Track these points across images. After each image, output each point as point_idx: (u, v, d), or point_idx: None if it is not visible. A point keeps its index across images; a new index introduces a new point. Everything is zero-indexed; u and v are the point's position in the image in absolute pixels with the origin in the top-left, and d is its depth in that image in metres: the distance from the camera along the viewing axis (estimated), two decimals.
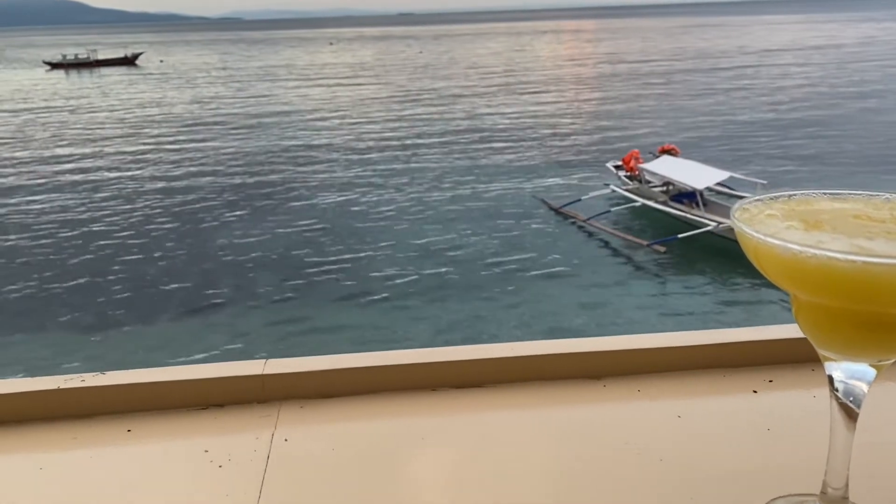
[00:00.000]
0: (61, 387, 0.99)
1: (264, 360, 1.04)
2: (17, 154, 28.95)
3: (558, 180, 21.66)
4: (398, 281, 14.21)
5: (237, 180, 23.05)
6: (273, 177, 23.38)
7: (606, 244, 16.14)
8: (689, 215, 16.27)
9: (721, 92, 40.12)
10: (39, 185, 23.39)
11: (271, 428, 0.96)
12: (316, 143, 29.02)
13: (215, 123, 35.12)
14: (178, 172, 24.46)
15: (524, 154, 25.52)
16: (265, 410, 0.99)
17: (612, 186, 18.82)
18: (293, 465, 0.90)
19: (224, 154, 27.40)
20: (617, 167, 20.00)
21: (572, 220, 17.65)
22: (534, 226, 17.42)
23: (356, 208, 19.29)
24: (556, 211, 18.33)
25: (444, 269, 14.76)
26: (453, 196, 20.15)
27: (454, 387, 1.04)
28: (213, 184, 22.68)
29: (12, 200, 21.41)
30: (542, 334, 11.57)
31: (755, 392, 1.04)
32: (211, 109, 40.47)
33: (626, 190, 18.42)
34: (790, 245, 0.59)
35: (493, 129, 30.72)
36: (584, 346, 1.08)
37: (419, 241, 16.47)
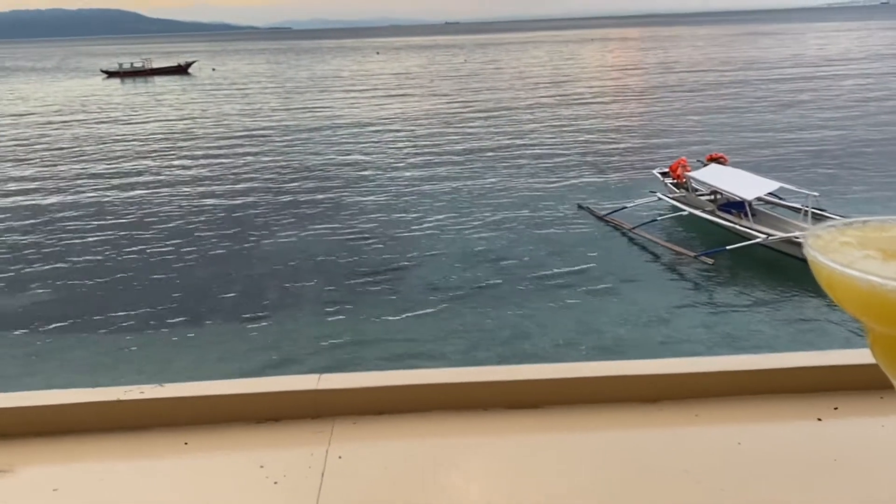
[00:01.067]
0: (121, 398, 1.00)
1: (318, 376, 1.03)
2: (71, 161, 29.85)
3: (603, 188, 21.43)
4: (441, 291, 14.18)
5: (285, 188, 23.37)
6: (320, 185, 23.64)
7: (652, 254, 15.88)
8: (737, 226, 15.90)
9: (773, 101, 39.26)
10: (90, 190, 24.06)
11: (325, 444, 0.95)
12: (362, 151, 29.27)
13: (264, 131, 35.71)
14: (227, 180, 24.91)
15: (569, 162, 25.33)
16: (319, 426, 0.99)
17: (659, 195, 18.53)
18: (348, 484, 0.89)
19: (272, 162, 27.83)
20: (663, 175, 19.69)
21: (617, 228, 17.43)
22: (578, 234, 17.24)
23: (402, 217, 19.36)
24: (601, 219, 18.12)
25: (486, 279, 14.69)
26: (497, 204, 20.08)
27: (507, 407, 1.02)
28: (262, 191, 23.04)
29: (65, 206, 22.06)
30: (587, 348, 11.40)
31: (819, 420, 1.00)
32: (260, 117, 41.18)
33: (673, 198, 18.11)
34: (871, 277, 0.56)
35: (538, 137, 30.57)
36: (639, 369, 1.06)
37: (463, 250, 16.44)
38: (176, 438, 0.98)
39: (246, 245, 17.39)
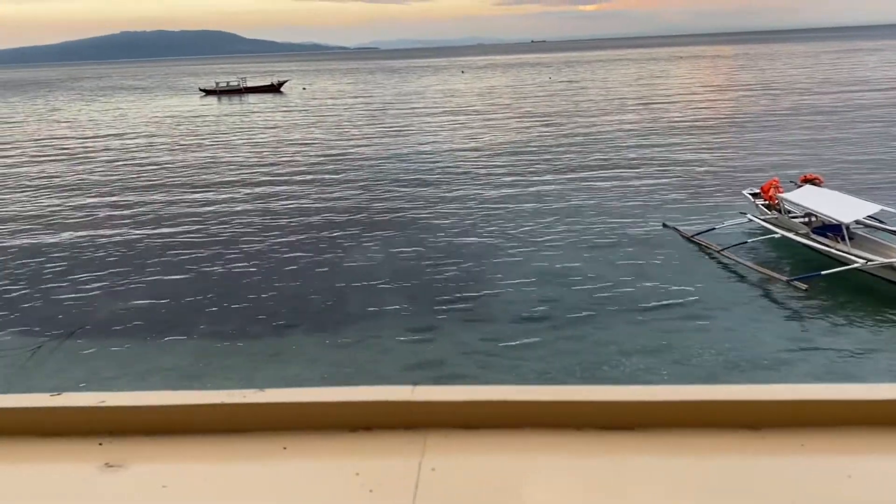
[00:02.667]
0: (224, 401, 1.03)
1: (412, 387, 1.04)
2: (165, 176, 31.35)
3: (690, 208, 20.88)
4: (520, 310, 14.10)
5: (369, 205, 23.83)
6: (402, 202, 23.99)
7: (741, 277, 15.33)
8: (833, 250, 15.18)
9: (874, 121, 37.39)
10: (182, 202, 25.19)
11: (419, 456, 0.96)
12: (444, 170, 29.55)
13: (350, 149, 36.57)
14: (312, 196, 25.62)
15: (654, 181, 24.82)
16: (412, 437, 0.99)
17: (750, 216, 17.90)
18: (441, 496, 0.89)
19: (357, 179, 28.45)
20: (754, 195, 19.03)
21: (705, 249, 16.92)
22: (663, 255, 16.83)
23: (483, 235, 19.40)
24: (689, 240, 17.64)
25: (567, 298, 14.51)
26: (580, 222, 19.86)
27: (601, 427, 1.00)
28: (346, 207, 23.57)
29: (157, 219, 23.17)
30: (670, 374, 11.09)
31: None
32: (346, 135, 42.21)
33: (764, 220, 17.47)
34: None
35: (624, 155, 30.12)
36: (740, 394, 1.01)
37: (544, 269, 16.32)
38: (275, 443, 1.00)
39: (331, 260, 17.78)
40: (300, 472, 0.95)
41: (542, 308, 14.00)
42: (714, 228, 17.67)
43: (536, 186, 24.87)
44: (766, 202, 18.30)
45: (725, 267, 15.93)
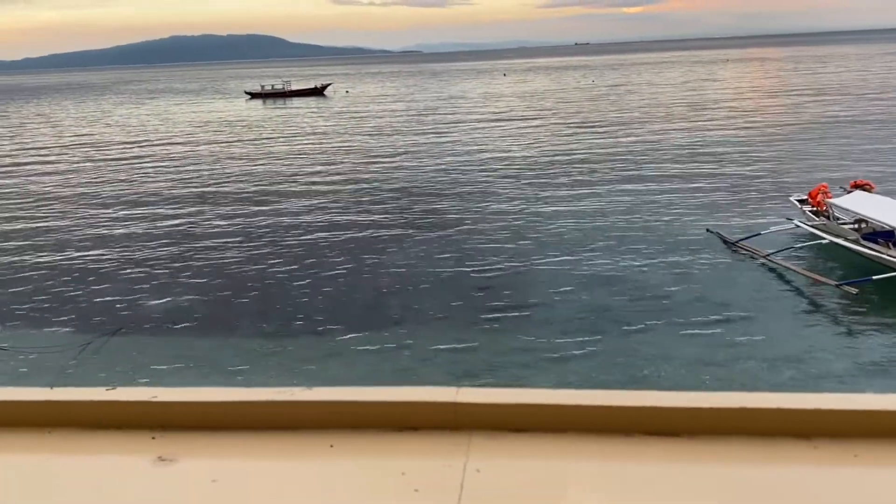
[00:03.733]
0: (273, 399, 1.05)
1: (456, 389, 1.04)
2: (210, 178, 31.95)
3: (735, 214, 20.53)
4: (563, 312, 14.04)
5: (410, 206, 23.96)
6: (443, 204, 24.07)
7: (788, 282, 15.02)
8: (885, 256, 14.78)
9: None
10: (227, 203, 25.65)
11: (463, 457, 0.96)
12: (487, 173, 29.55)
13: (392, 151, 36.82)
14: (354, 198, 25.86)
15: (698, 186, 24.46)
16: (457, 438, 0.99)
17: (796, 221, 17.54)
18: (486, 497, 0.89)
19: (399, 181, 28.63)
20: (801, 202, 18.64)
21: (750, 255, 16.62)
22: (707, 260, 16.57)
23: (526, 238, 19.36)
24: (733, 245, 17.35)
25: (609, 303, 14.40)
26: (623, 227, 19.68)
27: (649, 433, 0.99)
28: (387, 209, 23.74)
29: (205, 218, 23.63)
30: (715, 380, 10.92)
31: None
32: (387, 138, 42.51)
33: (812, 226, 17.09)
34: None
35: (667, 160, 29.74)
36: (792, 402, 0.99)
37: (586, 273, 16.22)
38: (322, 440, 1.01)
39: (373, 262, 17.93)
40: (347, 470, 0.96)
41: (583, 312, 13.91)
42: (759, 234, 17.35)
43: (578, 191, 24.72)
44: (814, 208, 17.91)
45: (771, 272, 15.62)
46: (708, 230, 18.70)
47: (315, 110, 65.07)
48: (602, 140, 36.48)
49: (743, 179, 25.30)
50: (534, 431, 1.00)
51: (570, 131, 40.62)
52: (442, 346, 12.74)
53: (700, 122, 41.82)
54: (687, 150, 31.93)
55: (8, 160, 40.33)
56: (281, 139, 43.99)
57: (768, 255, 16.12)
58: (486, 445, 0.98)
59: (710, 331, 12.77)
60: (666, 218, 20.38)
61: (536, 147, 35.30)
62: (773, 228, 17.62)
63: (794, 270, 15.29)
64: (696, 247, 17.59)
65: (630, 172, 27.35)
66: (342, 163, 33.54)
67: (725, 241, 17.68)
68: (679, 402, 0.99)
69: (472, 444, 0.98)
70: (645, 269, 16.20)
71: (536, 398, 1.01)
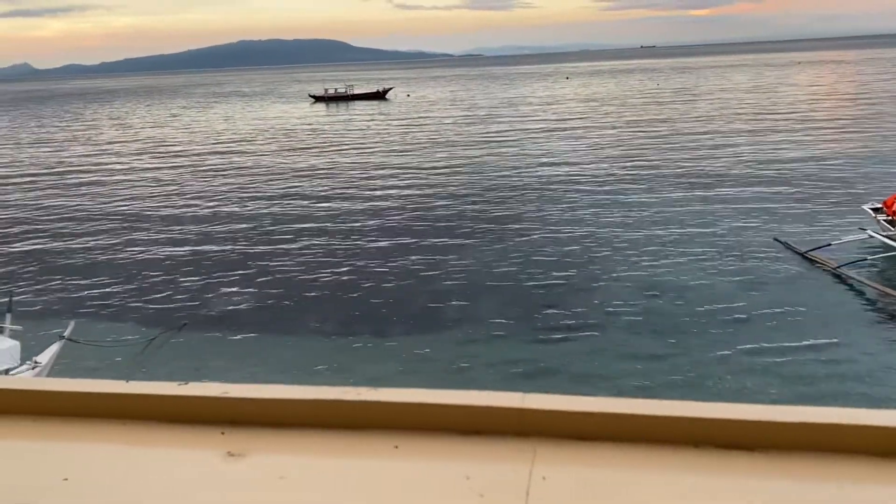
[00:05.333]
0: (340, 398, 1.05)
1: (522, 394, 1.03)
2: (274, 179, 32.63)
3: (804, 223, 19.86)
4: (621, 320, 13.82)
5: (470, 209, 23.99)
6: (500, 207, 24.01)
7: (861, 295, 14.44)
8: None
9: None
10: (290, 205, 26.16)
11: (529, 463, 0.95)
12: (548, 176, 29.37)
13: (452, 154, 36.94)
14: (414, 200, 26.03)
15: (766, 193, 23.76)
16: (522, 444, 0.99)
17: (870, 231, 16.84)
18: None
19: (459, 184, 28.70)
20: (875, 210, 17.88)
21: (819, 266, 16.05)
22: (774, 271, 16.07)
23: (584, 241, 19.16)
24: (802, 256, 16.78)
25: (668, 311, 14.11)
26: (687, 234, 19.27)
27: (720, 446, 0.96)
28: (447, 212, 23.82)
29: (263, 219, 24.15)
30: (782, 395, 10.57)
31: None
32: (449, 141, 42.66)
33: (887, 236, 16.38)
34: None
35: (733, 165, 28.98)
36: (870, 418, 0.94)
37: (645, 279, 15.94)
38: (387, 441, 1.01)
39: (434, 264, 18.00)
40: (412, 472, 0.96)
41: (644, 320, 13.67)
42: (830, 244, 16.73)
43: (641, 197, 24.32)
44: (890, 217, 17.17)
45: (842, 285, 15.05)
46: (776, 239, 18.15)
47: (376, 114, 65.83)
48: (668, 145, 35.81)
49: (814, 187, 24.46)
50: (602, 441, 0.99)
51: (635, 136, 40.01)
52: (500, 351, 12.70)
53: (770, 128, 40.63)
54: (756, 156, 31.06)
55: (81, 160, 42.06)
56: (343, 142, 44.64)
57: (839, 267, 15.53)
58: (552, 453, 0.97)
59: (777, 343, 12.37)
60: (732, 226, 19.86)
61: (599, 152, 34.89)
62: (844, 239, 16.97)
63: (867, 283, 14.69)
64: (763, 256, 17.09)
65: (696, 179, 26.76)
66: (403, 166, 33.82)
67: (794, 251, 17.12)
68: (754, 415, 0.97)
69: (539, 451, 0.98)
70: (709, 278, 15.81)
71: (605, 407, 1.00)
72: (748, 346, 12.34)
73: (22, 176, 36.88)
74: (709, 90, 73.77)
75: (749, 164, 29.36)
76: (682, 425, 0.98)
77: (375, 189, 28.28)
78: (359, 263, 18.25)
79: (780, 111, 49.21)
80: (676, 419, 0.98)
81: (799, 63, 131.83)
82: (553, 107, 63.35)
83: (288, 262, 18.65)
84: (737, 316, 13.63)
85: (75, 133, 60.37)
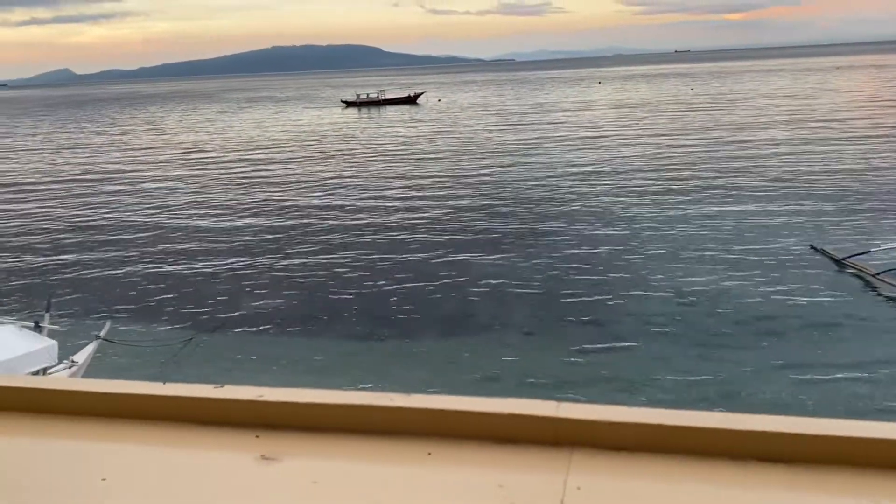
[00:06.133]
0: (372, 403, 1.05)
1: (557, 403, 1.02)
2: (306, 183, 32.89)
3: (842, 230, 19.44)
4: (653, 328, 13.65)
5: (498, 215, 23.93)
6: (529, 211, 23.91)
7: None
8: None
9: None
10: (321, 208, 26.34)
11: (563, 473, 0.94)
12: (577, 182, 29.19)
13: (482, 159, 36.90)
14: (443, 205, 26.05)
15: (802, 199, 23.32)
16: (556, 453, 0.98)
17: None
18: None
19: (488, 189, 28.65)
20: None
21: (858, 274, 15.69)
22: (812, 279, 15.75)
23: (617, 248, 18.99)
24: (840, 263, 16.43)
25: (701, 319, 13.91)
26: (718, 240, 18.98)
27: (760, 459, 0.95)
28: (476, 217, 23.79)
29: (300, 224, 24.34)
30: (820, 407, 10.34)
31: None
32: (478, 146, 42.63)
33: None
34: None
35: (770, 171, 28.50)
36: None
37: (677, 286, 15.73)
38: (420, 448, 1.00)
39: (462, 269, 17.99)
40: (444, 479, 0.95)
41: (677, 328, 13.49)
42: (869, 251, 16.35)
43: (675, 204, 24.04)
44: None
45: (882, 293, 14.69)
46: (812, 246, 17.79)
47: (407, 118, 66.07)
48: (702, 151, 35.36)
49: (852, 193, 23.95)
50: (637, 451, 0.97)
51: (668, 142, 39.58)
52: (530, 358, 12.63)
53: (808, 133, 39.92)
54: (792, 162, 30.52)
55: (117, 164, 42.86)
56: (373, 148, 44.87)
57: (879, 274, 15.17)
58: (587, 463, 0.96)
59: (813, 353, 12.11)
60: (768, 233, 19.52)
61: (631, 158, 34.59)
62: (884, 245, 16.58)
63: None
64: (799, 264, 16.76)
65: (731, 184, 26.38)
66: (432, 169, 33.88)
67: (831, 258, 16.77)
68: (793, 427, 0.94)
69: (573, 460, 0.96)
70: (744, 286, 15.54)
71: (641, 417, 0.99)
72: (784, 355, 12.10)
73: (60, 180, 37.71)
74: (745, 95, 72.76)
75: (786, 169, 28.85)
76: (719, 437, 0.96)
77: (405, 194, 28.36)
78: (389, 268, 18.30)
79: (818, 116, 48.33)
80: (714, 431, 0.96)
81: (837, 68, 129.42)
82: (584, 112, 62.99)
83: (318, 267, 18.76)
84: (772, 325, 13.38)
85: (112, 137, 61.58)
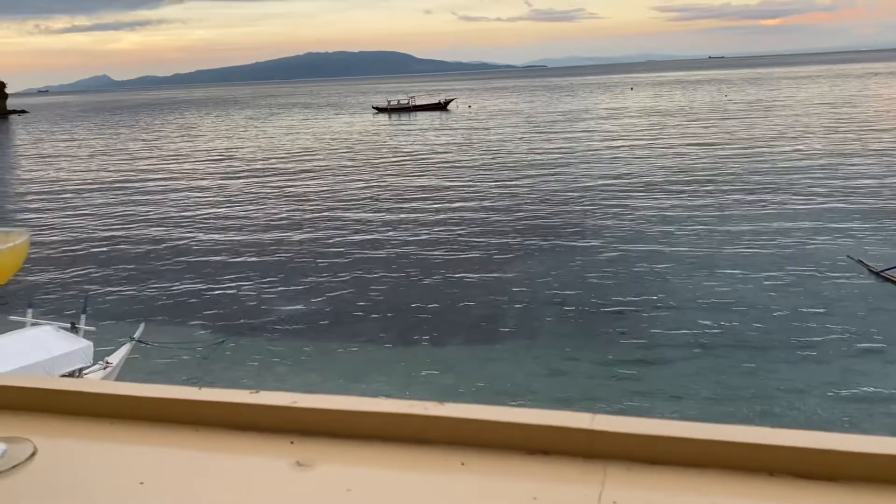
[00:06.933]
0: (406, 412, 1.05)
1: (592, 415, 1.02)
2: (339, 188, 33.11)
3: (881, 241, 19.03)
4: (685, 338, 13.48)
5: (528, 221, 23.85)
6: (558, 219, 23.80)
7: None
8: None
9: None
10: (353, 214, 26.48)
11: (598, 486, 0.94)
12: (611, 188, 28.98)
13: (512, 166, 36.82)
14: (472, 211, 26.04)
15: (840, 209, 22.89)
16: (591, 466, 0.98)
17: None
18: None
19: (518, 196, 28.58)
20: None
21: None
22: (849, 291, 15.44)
23: (647, 257, 18.81)
24: (878, 275, 16.08)
25: (736, 331, 13.70)
26: (752, 251, 18.71)
27: (798, 476, 0.93)
28: (506, 224, 23.74)
29: (328, 228, 24.50)
30: (856, 422, 10.13)
31: None
32: (508, 152, 42.55)
33: None
34: None
35: (806, 180, 28.02)
36: None
37: (712, 297, 15.52)
38: (453, 457, 1.00)
39: (492, 275, 17.96)
40: (478, 490, 0.95)
41: (709, 338, 13.31)
42: None
43: (708, 212, 23.75)
44: None
45: None
46: (849, 257, 17.45)
47: (437, 125, 66.23)
48: (736, 159, 34.88)
49: (891, 203, 23.43)
50: (673, 465, 0.96)
51: (702, 149, 39.12)
52: (556, 363, 12.56)
53: (845, 141, 39.17)
54: (830, 171, 29.97)
55: (150, 168, 43.58)
56: (402, 153, 45.04)
57: None
58: (622, 476, 0.95)
59: (850, 367, 11.87)
60: (804, 243, 19.19)
61: (664, 165, 34.24)
62: None
63: None
64: (836, 275, 16.44)
65: (765, 194, 25.99)
66: (461, 176, 33.88)
67: (869, 270, 16.42)
68: (837, 444, 0.92)
69: (608, 473, 0.96)
70: (779, 297, 15.29)
71: (677, 431, 0.97)
72: (819, 370, 11.87)
73: (97, 185, 38.47)
74: (782, 102, 71.69)
75: (822, 178, 28.35)
76: (758, 452, 0.95)
77: (434, 202, 28.40)
78: (419, 275, 18.33)
79: (857, 124, 47.42)
80: (751, 446, 0.95)
81: (876, 74, 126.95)
82: (616, 119, 62.56)
83: (347, 274, 18.86)
84: (807, 337, 13.14)
85: (147, 142, 62.69)
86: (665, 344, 13.22)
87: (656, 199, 26.08)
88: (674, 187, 28.03)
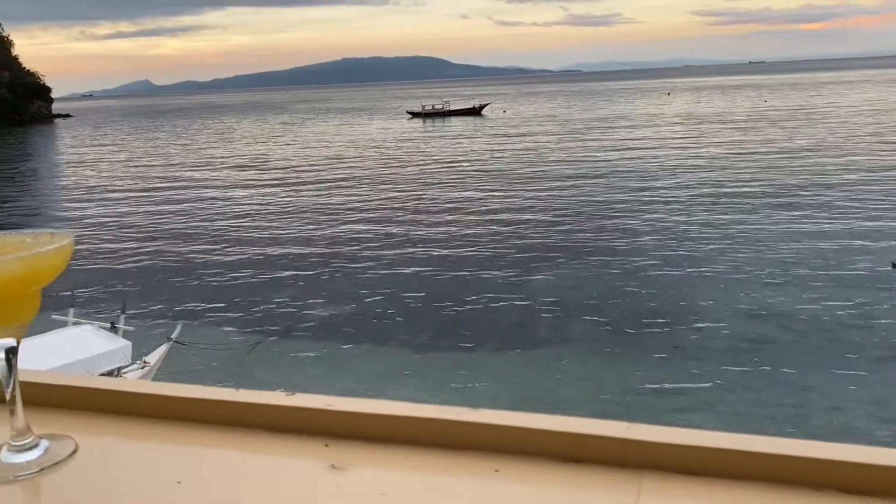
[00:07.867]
0: (440, 417, 1.05)
1: (627, 424, 1.01)
2: (374, 193, 33.28)
3: None
4: (723, 346, 13.27)
5: (562, 228, 23.71)
6: (592, 224, 23.59)
7: None
8: None
9: None
10: (386, 219, 26.59)
11: (634, 496, 0.93)
12: (647, 195, 28.68)
13: (545, 171, 36.66)
14: (505, 216, 25.96)
15: (883, 216, 22.31)
16: (626, 476, 0.97)
17: None
18: None
19: (551, 201, 28.44)
20: None
21: None
22: (890, 298, 15.03)
23: (682, 263, 18.56)
24: None
25: (773, 338, 13.44)
26: (791, 256, 18.33)
27: (844, 491, 0.91)
28: (539, 229, 23.62)
29: (367, 234, 24.62)
30: (893, 442, 9.84)
31: None
32: (542, 157, 42.39)
33: None
34: None
35: (850, 186, 27.40)
36: None
37: (749, 303, 15.25)
38: (487, 464, 1.00)
39: (525, 281, 17.88)
40: (512, 497, 0.95)
41: (747, 347, 13.06)
42: None
43: (748, 218, 23.34)
44: None
45: None
46: (894, 265, 17.00)
47: (471, 129, 66.26)
48: (777, 165, 34.26)
49: None
50: (712, 476, 0.94)
51: (740, 155, 38.51)
52: (588, 371, 12.44)
53: (890, 145, 38.21)
54: (873, 176, 29.26)
55: (189, 172, 44.32)
56: (436, 158, 45.14)
57: None
58: (658, 487, 0.94)
59: (891, 381, 11.53)
60: (847, 251, 18.75)
61: (702, 171, 33.77)
62: None
63: None
64: (881, 283, 16.03)
65: (805, 200, 25.47)
66: (495, 180, 33.82)
67: None
68: (879, 458, 0.90)
69: (644, 484, 0.95)
70: (820, 305, 14.95)
71: (716, 441, 0.96)
72: (859, 381, 11.57)
73: (138, 187, 39.25)
74: (825, 108, 70.28)
75: (865, 184, 27.69)
76: (802, 465, 0.93)
77: (468, 206, 28.39)
78: (452, 279, 18.33)
79: None
80: (795, 458, 0.93)
81: None
82: (653, 124, 61.93)
83: (382, 277, 18.94)
84: (848, 347, 12.82)
85: (186, 147, 63.80)
86: (701, 352, 13.01)
87: (692, 206, 25.71)
88: (711, 195, 27.61)
